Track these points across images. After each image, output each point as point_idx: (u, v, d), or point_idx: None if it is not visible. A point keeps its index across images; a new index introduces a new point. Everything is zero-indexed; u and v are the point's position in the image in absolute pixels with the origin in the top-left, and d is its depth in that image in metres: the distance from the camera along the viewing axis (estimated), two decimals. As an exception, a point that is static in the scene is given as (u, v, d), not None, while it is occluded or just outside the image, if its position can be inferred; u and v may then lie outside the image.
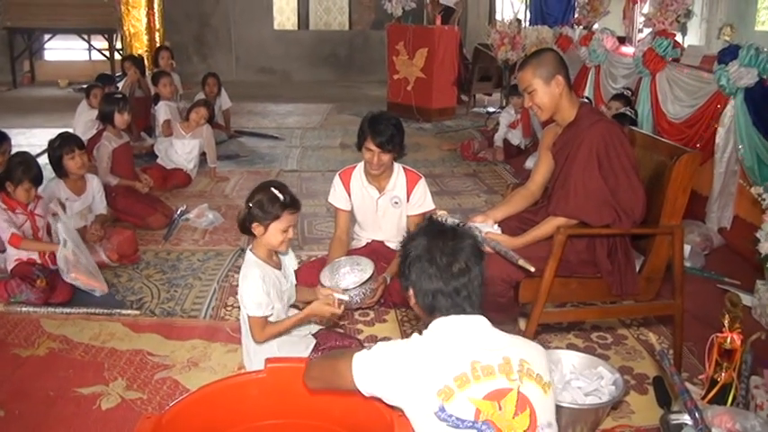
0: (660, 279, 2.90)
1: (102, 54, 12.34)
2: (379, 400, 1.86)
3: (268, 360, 2.11)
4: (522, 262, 2.60)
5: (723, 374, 2.65)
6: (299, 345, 2.86)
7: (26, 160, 3.73)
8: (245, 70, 13.68)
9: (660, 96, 5.25)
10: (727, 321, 2.64)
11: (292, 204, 2.61)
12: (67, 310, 3.56)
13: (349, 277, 3.48)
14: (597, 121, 2.81)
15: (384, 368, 1.81)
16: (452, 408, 1.70)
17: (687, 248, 4.06)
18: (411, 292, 1.95)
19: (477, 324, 1.85)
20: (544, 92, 2.82)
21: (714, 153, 4.50)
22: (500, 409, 1.71)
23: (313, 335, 2.96)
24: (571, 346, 3.18)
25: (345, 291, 3.36)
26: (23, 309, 3.55)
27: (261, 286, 2.60)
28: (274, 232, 2.60)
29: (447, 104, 9.43)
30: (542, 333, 3.25)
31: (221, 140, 7.65)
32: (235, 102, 8.45)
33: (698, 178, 4.73)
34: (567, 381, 2.58)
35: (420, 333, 1.88)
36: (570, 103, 2.88)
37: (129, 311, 3.55)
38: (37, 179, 3.73)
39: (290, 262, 2.88)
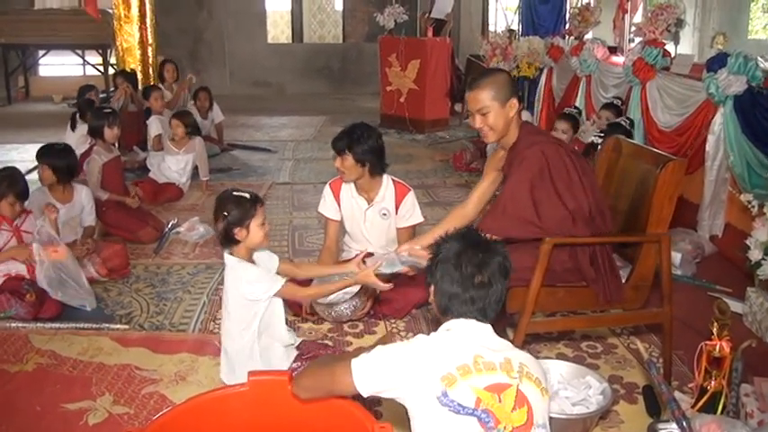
0: (648, 287, 2.89)
1: (97, 69, 12.36)
2: (377, 397, 1.91)
3: (250, 373, 2.10)
4: None
5: (713, 383, 2.64)
6: (284, 356, 2.86)
7: (11, 174, 3.69)
8: (239, 84, 13.70)
9: (650, 105, 5.25)
10: (715, 329, 2.63)
11: (258, 198, 2.73)
12: (56, 325, 3.54)
13: (341, 293, 3.49)
14: (534, 143, 2.81)
15: (387, 364, 1.86)
16: (454, 393, 1.75)
17: (678, 256, 4.06)
18: (432, 289, 2.03)
19: (482, 328, 1.94)
20: (498, 114, 2.80)
21: (704, 161, 4.50)
22: (500, 401, 1.77)
23: (296, 347, 2.95)
24: (561, 356, 3.16)
25: (334, 305, 3.37)
26: (12, 324, 3.53)
27: (258, 269, 2.72)
28: (255, 229, 2.67)
29: (440, 116, 9.47)
30: (532, 343, 3.24)
31: (214, 154, 7.66)
32: (228, 115, 8.46)
33: (689, 186, 4.74)
34: (555, 391, 2.57)
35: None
36: (516, 125, 2.89)
37: (117, 326, 3.54)
38: (22, 194, 3.69)
39: (272, 264, 2.92)
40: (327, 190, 3.71)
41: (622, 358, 3.18)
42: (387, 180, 3.63)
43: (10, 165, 4.25)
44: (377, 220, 3.66)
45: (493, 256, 1.96)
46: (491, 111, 2.79)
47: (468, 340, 1.87)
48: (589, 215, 2.77)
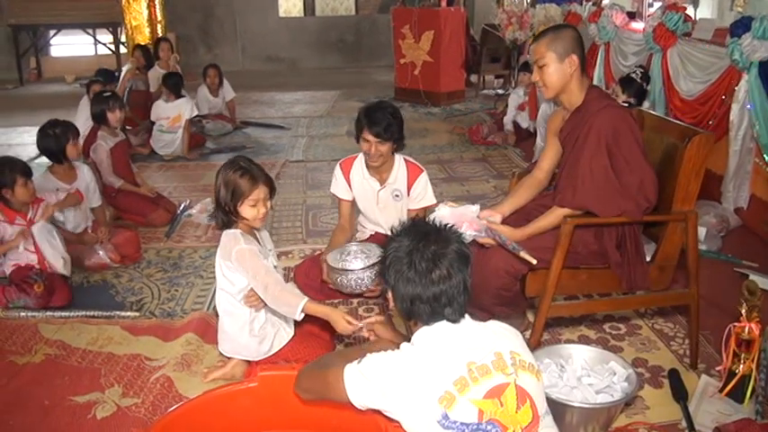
0: (673, 267, 2.77)
1: (108, 48, 12.28)
2: (377, 412, 1.81)
3: (261, 369, 2.02)
4: (523, 254, 2.49)
5: (741, 366, 2.53)
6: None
7: (7, 161, 3.59)
8: (251, 60, 13.57)
9: (672, 73, 5.06)
10: (744, 310, 2.52)
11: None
12: (66, 313, 3.48)
13: (355, 263, 3.37)
14: (605, 106, 2.65)
15: (377, 381, 1.76)
16: (455, 414, 1.67)
17: (702, 231, 3.92)
18: (390, 294, 1.90)
19: (462, 328, 1.81)
20: (555, 69, 2.67)
21: (729, 130, 4.33)
22: (502, 405, 1.70)
23: None
24: (583, 338, 3.06)
25: (349, 270, 3.22)
26: (22, 314, 3.48)
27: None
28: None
29: (455, 88, 9.27)
30: (554, 325, 3.13)
31: (226, 132, 7.58)
32: (241, 92, 8.35)
33: (713, 157, 4.55)
34: (579, 377, 2.46)
35: (409, 341, 1.84)
36: (580, 86, 2.73)
37: (128, 313, 3.48)
38: (26, 171, 3.58)
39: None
40: (338, 170, 3.59)
41: (647, 340, 3.06)
42: (399, 160, 3.49)
43: (9, 153, 4.19)
44: (390, 202, 3.54)
45: (447, 245, 1.82)
46: (548, 64, 2.66)
47: (455, 347, 1.75)
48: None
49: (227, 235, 2.65)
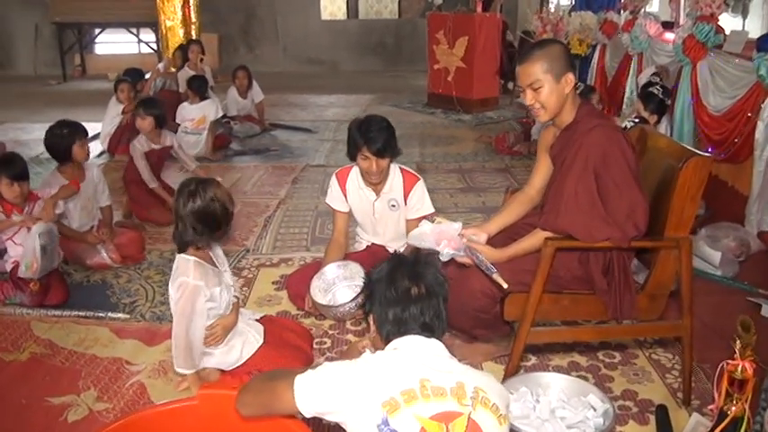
0: (665, 296, 2.61)
1: (150, 47, 12.46)
2: (320, 419, 1.76)
3: (201, 386, 1.95)
4: (496, 276, 2.37)
5: (734, 407, 2.37)
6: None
7: (8, 159, 3.58)
8: (292, 61, 13.61)
9: (701, 87, 4.84)
10: (738, 348, 2.35)
11: None
12: (59, 312, 3.48)
13: (341, 292, 3.40)
14: (596, 126, 2.50)
15: (330, 384, 1.71)
16: (396, 422, 1.59)
17: (717, 255, 3.73)
18: (371, 318, 1.88)
19: (432, 346, 1.77)
20: (552, 90, 2.51)
21: (754, 150, 4.12)
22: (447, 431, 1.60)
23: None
24: (573, 365, 2.92)
25: (337, 306, 3.26)
26: (17, 310, 3.50)
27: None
28: None
29: (489, 95, 9.12)
30: (544, 350, 3.00)
31: (253, 134, 7.58)
32: (278, 93, 8.30)
33: (739, 176, 4.38)
34: (552, 409, 2.34)
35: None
36: (573, 103, 2.59)
37: (118, 315, 3.46)
38: (18, 176, 3.52)
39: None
40: (334, 180, 3.51)
41: (641, 370, 2.89)
42: (394, 169, 3.41)
43: (43, 147, 4.19)
44: (386, 212, 3.45)
45: (427, 267, 1.85)
46: (544, 85, 2.49)
47: (415, 361, 1.70)
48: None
49: (181, 260, 2.64)
